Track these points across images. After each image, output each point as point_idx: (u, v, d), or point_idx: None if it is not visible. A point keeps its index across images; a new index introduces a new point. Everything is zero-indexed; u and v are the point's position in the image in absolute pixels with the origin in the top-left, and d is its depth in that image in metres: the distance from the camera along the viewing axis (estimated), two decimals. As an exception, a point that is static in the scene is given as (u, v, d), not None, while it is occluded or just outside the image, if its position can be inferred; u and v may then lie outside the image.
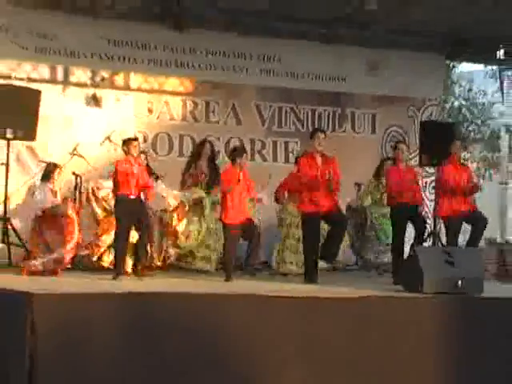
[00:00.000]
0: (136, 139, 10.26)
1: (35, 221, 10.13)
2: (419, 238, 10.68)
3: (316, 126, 13.09)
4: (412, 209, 10.62)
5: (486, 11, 11.71)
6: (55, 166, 10.55)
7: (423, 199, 12.72)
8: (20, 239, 10.60)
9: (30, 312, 6.75)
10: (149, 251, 10.20)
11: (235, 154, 10.37)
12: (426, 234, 11.65)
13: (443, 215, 11.23)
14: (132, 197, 9.79)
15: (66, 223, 9.92)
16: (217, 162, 11.53)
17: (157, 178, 10.80)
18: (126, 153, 9.87)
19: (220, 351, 7.27)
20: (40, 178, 10.59)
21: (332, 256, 10.29)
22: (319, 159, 10.03)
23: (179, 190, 11.25)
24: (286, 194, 11.67)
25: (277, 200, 11.78)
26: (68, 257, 9.85)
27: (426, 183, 13.53)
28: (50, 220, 10.08)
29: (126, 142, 9.98)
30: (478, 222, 10.96)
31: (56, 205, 10.14)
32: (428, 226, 12.58)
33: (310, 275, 9.89)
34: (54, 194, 10.28)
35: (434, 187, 12.72)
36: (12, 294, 7.34)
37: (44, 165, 10.87)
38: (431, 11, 11.87)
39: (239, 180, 9.96)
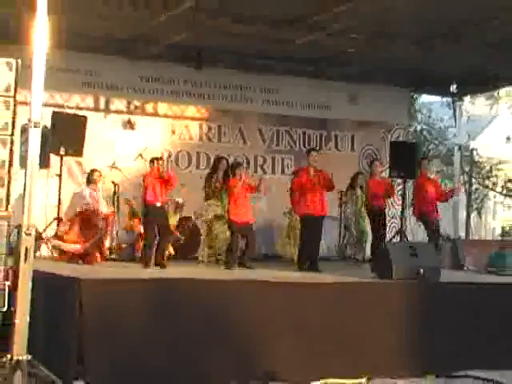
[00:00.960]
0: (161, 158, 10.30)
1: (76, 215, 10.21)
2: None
3: (306, 146, 13.12)
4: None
5: (441, 57, 11.77)
6: (94, 170, 10.65)
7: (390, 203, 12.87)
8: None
9: (78, 293, 6.81)
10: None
11: (234, 167, 10.38)
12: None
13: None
14: (158, 204, 9.84)
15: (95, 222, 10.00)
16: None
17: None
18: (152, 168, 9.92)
19: (227, 324, 7.29)
20: (85, 183, 10.73)
21: None
22: (312, 172, 10.11)
23: (204, 199, 11.18)
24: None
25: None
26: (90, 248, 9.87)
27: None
28: (84, 217, 10.14)
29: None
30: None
31: (92, 207, 10.19)
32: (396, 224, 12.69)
33: (309, 264, 9.93)
34: (96, 194, 10.34)
35: (401, 194, 12.70)
36: (65, 278, 7.40)
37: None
38: (398, 56, 11.91)
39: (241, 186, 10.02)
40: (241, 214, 10.02)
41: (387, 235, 11.86)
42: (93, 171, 10.67)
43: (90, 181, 10.56)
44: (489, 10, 9.17)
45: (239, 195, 10.04)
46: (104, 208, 10.50)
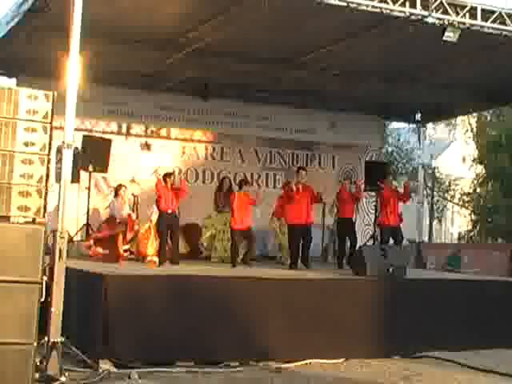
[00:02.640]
0: (172, 173, 10.34)
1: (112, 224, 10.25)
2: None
3: (295, 164, 13.19)
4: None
5: (406, 92, 11.89)
6: (120, 185, 10.70)
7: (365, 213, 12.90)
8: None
9: (103, 286, 6.83)
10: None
11: (241, 183, 10.45)
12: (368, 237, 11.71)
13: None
14: (169, 211, 9.85)
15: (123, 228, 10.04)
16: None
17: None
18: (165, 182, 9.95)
19: (230, 311, 7.30)
20: (113, 195, 10.77)
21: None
22: (301, 187, 10.17)
23: (214, 210, 11.30)
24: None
25: (277, 215, 11.75)
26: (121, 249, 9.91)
27: (368, 202, 13.56)
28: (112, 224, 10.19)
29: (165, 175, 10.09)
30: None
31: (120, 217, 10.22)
32: (370, 230, 12.66)
33: (295, 264, 9.97)
34: (122, 204, 10.39)
35: (374, 205, 12.72)
36: (92, 274, 7.43)
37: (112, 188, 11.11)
38: (371, 90, 11.97)
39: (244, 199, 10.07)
40: (241, 221, 10.05)
41: (362, 240, 11.87)
42: (120, 185, 10.67)
43: (116, 194, 10.58)
44: (437, 56, 9.44)
45: (241, 206, 10.09)
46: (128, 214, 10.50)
